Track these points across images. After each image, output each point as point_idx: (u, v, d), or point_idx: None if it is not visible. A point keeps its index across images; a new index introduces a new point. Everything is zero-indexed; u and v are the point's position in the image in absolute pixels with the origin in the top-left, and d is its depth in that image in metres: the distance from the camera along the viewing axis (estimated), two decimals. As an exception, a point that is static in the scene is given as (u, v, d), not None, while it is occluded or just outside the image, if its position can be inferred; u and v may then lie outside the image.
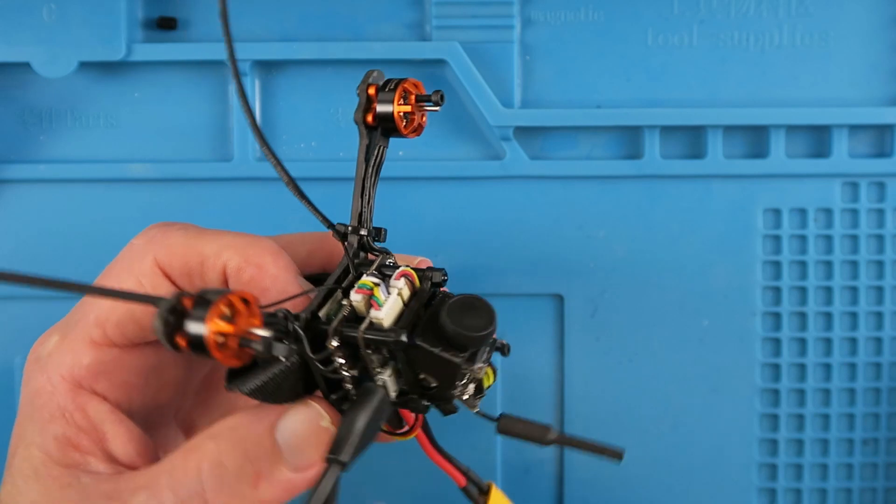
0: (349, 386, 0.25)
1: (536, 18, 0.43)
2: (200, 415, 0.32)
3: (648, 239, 0.43)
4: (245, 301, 0.20)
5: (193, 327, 0.19)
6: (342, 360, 0.24)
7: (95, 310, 0.27)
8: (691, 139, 0.43)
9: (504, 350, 0.29)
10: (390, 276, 0.26)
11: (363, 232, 0.27)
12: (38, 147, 0.43)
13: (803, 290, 0.43)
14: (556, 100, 0.43)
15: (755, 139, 0.43)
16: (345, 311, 0.25)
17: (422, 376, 0.25)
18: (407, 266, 0.26)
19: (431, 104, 0.27)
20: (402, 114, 0.27)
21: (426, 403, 0.26)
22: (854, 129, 0.43)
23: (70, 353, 0.27)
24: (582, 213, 0.43)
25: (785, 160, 0.42)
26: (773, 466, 0.44)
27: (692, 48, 0.43)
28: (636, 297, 0.43)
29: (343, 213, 0.43)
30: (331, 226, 0.27)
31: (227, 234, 0.27)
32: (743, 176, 0.43)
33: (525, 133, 0.43)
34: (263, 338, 0.20)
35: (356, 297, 0.25)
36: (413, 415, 0.28)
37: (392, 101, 0.27)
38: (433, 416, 0.27)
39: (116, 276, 0.28)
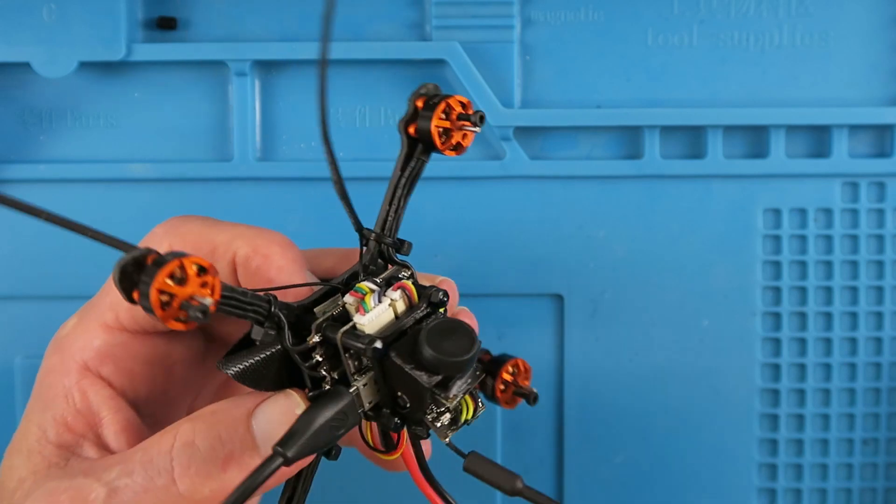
0: (328, 387, 0.25)
1: (536, 18, 0.43)
2: None
3: (648, 239, 0.43)
4: (202, 268, 0.20)
5: (144, 281, 0.19)
6: (320, 358, 0.24)
7: (111, 294, 0.28)
8: (691, 139, 0.43)
9: (531, 398, 0.29)
10: None
11: (388, 240, 0.27)
12: (38, 147, 0.43)
13: (803, 290, 0.43)
14: (556, 100, 0.43)
15: (755, 139, 0.43)
16: (335, 311, 0.25)
17: (399, 394, 0.24)
18: (408, 280, 0.26)
19: (470, 124, 0.27)
20: (440, 130, 0.26)
21: (398, 422, 0.25)
22: (854, 129, 0.43)
23: (83, 335, 0.27)
24: (582, 213, 0.43)
25: (785, 160, 0.42)
26: (773, 466, 0.44)
27: (692, 48, 0.43)
28: (636, 297, 0.43)
29: (342, 214, 0.43)
30: (360, 228, 0.27)
31: (241, 226, 0.28)
32: (743, 176, 0.43)
33: (525, 133, 0.43)
34: (199, 305, 0.20)
35: (349, 300, 0.25)
36: (404, 435, 0.27)
37: (432, 116, 0.26)
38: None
39: None
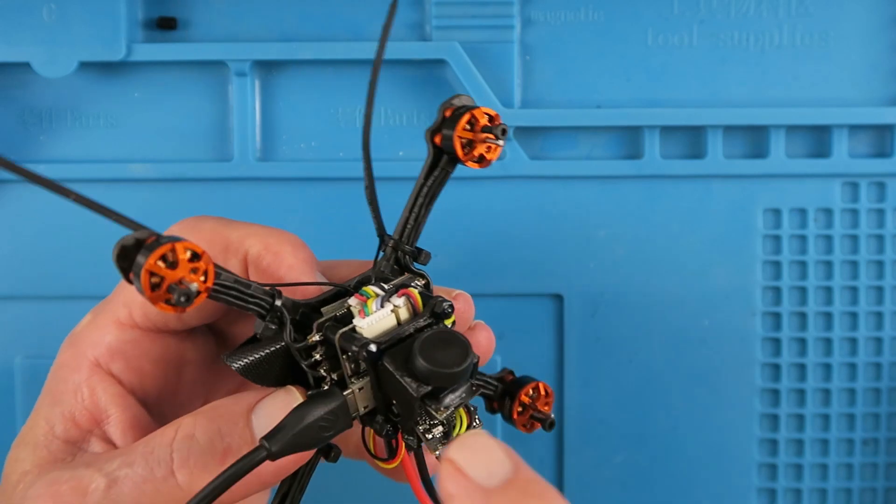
0: (326, 388, 0.25)
1: (536, 18, 0.43)
2: None
3: (648, 239, 0.43)
4: (195, 255, 0.20)
5: (137, 261, 0.20)
6: (320, 358, 0.24)
7: (125, 290, 0.28)
8: (691, 139, 0.43)
9: (546, 424, 0.29)
10: None
11: (405, 248, 0.27)
12: (38, 147, 0.43)
13: (803, 290, 0.43)
14: (556, 100, 0.43)
15: (755, 139, 0.43)
16: (339, 312, 0.25)
17: (393, 401, 0.24)
18: (414, 288, 0.26)
19: (493, 137, 0.26)
20: (463, 141, 0.26)
21: (390, 430, 0.25)
22: (854, 129, 0.43)
23: (97, 332, 0.28)
24: (582, 213, 0.43)
25: (785, 160, 0.42)
26: (773, 466, 0.44)
27: (692, 48, 0.43)
28: (636, 297, 0.43)
29: (342, 214, 0.43)
30: (381, 234, 0.27)
31: (255, 225, 0.28)
32: (743, 176, 0.43)
33: (525, 133, 0.43)
34: (184, 288, 0.20)
35: (352, 302, 0.25)
36: (402, 444, 0.27)
37: (455, 126, 0.26)
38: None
39: None
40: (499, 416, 0.31)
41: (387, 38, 0.26)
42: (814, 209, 0.43)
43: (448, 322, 0.25)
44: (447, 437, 0.25)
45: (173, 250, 0.20)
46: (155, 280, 0.20)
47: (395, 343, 0.24)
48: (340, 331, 0.24)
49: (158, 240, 0.20)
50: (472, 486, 0.20)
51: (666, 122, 0.42)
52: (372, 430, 0.26)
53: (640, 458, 0.44)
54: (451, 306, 0.25)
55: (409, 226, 0.27)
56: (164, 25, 0.42)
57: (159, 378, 0.28)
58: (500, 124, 0.26)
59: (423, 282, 0.27)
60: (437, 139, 0.27)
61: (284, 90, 0.43)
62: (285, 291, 0.25)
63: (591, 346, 0.43)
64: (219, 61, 0.41)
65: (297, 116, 0.43)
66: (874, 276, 0.43)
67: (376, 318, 0.24)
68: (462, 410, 0.25)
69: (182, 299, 0.20)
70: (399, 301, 0.25)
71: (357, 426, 0.26)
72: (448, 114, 0.26)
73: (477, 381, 0.27)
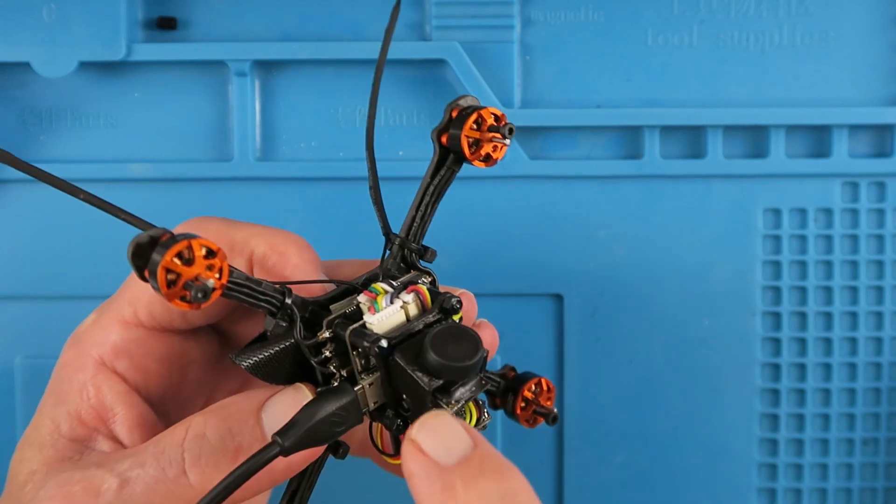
0: (336, 384, 0.25)
1: (536, 18, 0.43)
2: None
3: (648, 239, 0.43)
4: (210, 252, 0.21)
5: (154, 259, 0.20)
6: (330, 354, 0.25)
7: (131, 290, 0.28)
8: (691, 139, 0.43)
9: (549, 418, 0.29)
10: None
11: (412, 246, 0.27)
12: (38, 147, 0.43)
13: (803, 290, 0.43)
14: (556, 100, 0.43)
15: (755, 139, 0.43)
16: (348, 309, 0.25)
17: (403, 396, 0.24)
18: (422, 284, 0.26)
19: (500, 136, 0.27)
20: (469, 140, 0.27)
21: (400, 424, 0.25)
22: (854, 129, 0.43)
23: (101, 331, 0.28)
24: (582, 213, 0.43)
25: (785, 160, 0.42)
26: (773, 466, 0.44)
27: (692, 48, 0.43)
28: (636, 297, 0.43)
29: (342, 214, 0.43)
30: (387, 232, 0.27)
31: (259, 226, 0.28)
32: (743, 176, 0.43)
33: (525, 133, 0.43)
34: (201, 285, 0.20)
35: (362, 299, 0.25)
36: None
37: (462, 126, 0.26)
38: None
39: None
40: (498, 412, 0.31)
41: (389, 43, 0.27)
42: (814, 209, 0.43)
43: (456, 317, 0.26)
44: None
45: (189, 247, 0.20)
46: (171, 277, 0.20)
47: (406, 338, 0.24)
48: (351, 327, 0.24)
49: (174, 237, 0.20)
50: (431, 463, 0.21)
51: (666, 122, 0.42)
52: (380, 426, 0.27)
53: (640, 458, 0.44)
54: (460, 302, 0.26)
55: (415, 224, 0.27)
56: (164, 25, 0.42)
57: (164, 377, 0.29)
58: (507, 124, 0.27)
59: (430, 279, 0.27)
60: (444, 139, 0.27)
61: (284, 90, 0.43)
62: (292, 290, 0.25)
63: (591, 346, 0.43)
64: (219, 61, 0.42)
65: (297, 116, 0.43)
66: (874, 276, 0.43)
67: (386, 314, 0.25)
68: (471, 404, 0.25)
69: (199, 296, 0.20)
70: (408, 297, 0.25)
71: (365, 422, 0.26)
72: (454, 114, 0.27)
73: (482, 375, 0.27)
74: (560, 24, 0.43)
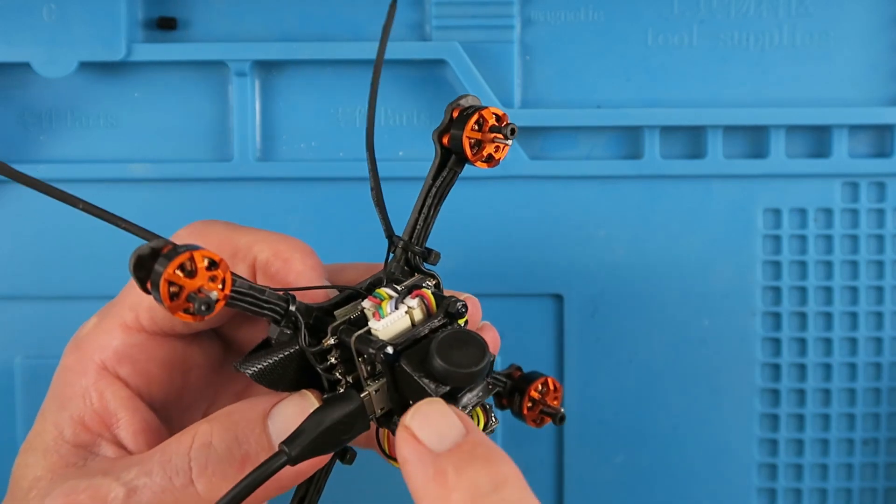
0: (342, 391, 0.25)
1: (536, 18, 0.43)
2: None
3: (648, 239, 0.43)
4: (213, 263, 0.20)
5: (156, 271, 0.20)
6: (335, 361, 0.24)
7: (132, 294, 0.28)
8: (691, 139, 0.43)
9: (556, 418, 0.29)
10: None
11: (416, 249, 0.27)
12: (38, 147, 0.43)
13: (803, 290, 0.43)
14: (556, 100, 0.43)
15: (755, 139, 0.43)
16: (353, 315, 0.25)
17: (410, 402, 0.24)
18: (426, 288, 0.26)
19: (502, 136, 0.27)
20: (471, 141, 0.26)
21: None
22: (854, 129, 0.43)
23: (103, 335, 0.28)
24: (582, 213, 0.43)
25: (785, 160, 0.42)
26: (773, 466, 0.44)
27: (692, 48, 0.43)
28: (636, 297, 0.43)
29: (342, 214, 0.43)
30: (390, 235, 0.27)
31: (263, 231, 0.28)
32: (743, 176, 0.43)
33: (525, 133, 0.43)
34: (204, 297, 0.20)
35: (366, 304, 0.25)
36: None
37: (464, 127, 0.26)
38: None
39: None
40: (499, 411, 0.31)
41: (386, 41, 0.27)
42: (814, 209, 0.43)
43: (461, 322, 0.26)
44: None
45: (191, 259, 0.20)
46: (174, 289, 0.20)
47: (411, 344, 0.24)
48: (356, 333, 0.24)
49: (175, 249, 0.20)
50: (423, 450, 0.21)
51: (666, 122, 0.42)
52: (386, 431, 0.27)
53: (640, 458, 0.44)
54: (465, 306, 0.25)
55: (418, 226, 0.27)
56: (164, 25, 0.42)
57: (166, 382, 0.28)
58: (509, 124, 0.27)
59: (434, 282, 0.27)
60: (446, 139, 0.27)
61: (284, 90, 0.43)
62: (296, 296, 0.25)
63: (591, 346, 0.43)
64: (219, 61, 0.41)
65: (296, 116, 0.43)
66: (874, 276, 0.43)
67: (391, 319, 0.24)
68: (479, 409, 0.25)
69: (203, 308, 0.20)
70: (413, 302, 0.25)
71: (372, 428, 0.26)
72: (456, 114, 0.27)
73: (489, 379, 0.27)
74: (560, 24, 0.43)
